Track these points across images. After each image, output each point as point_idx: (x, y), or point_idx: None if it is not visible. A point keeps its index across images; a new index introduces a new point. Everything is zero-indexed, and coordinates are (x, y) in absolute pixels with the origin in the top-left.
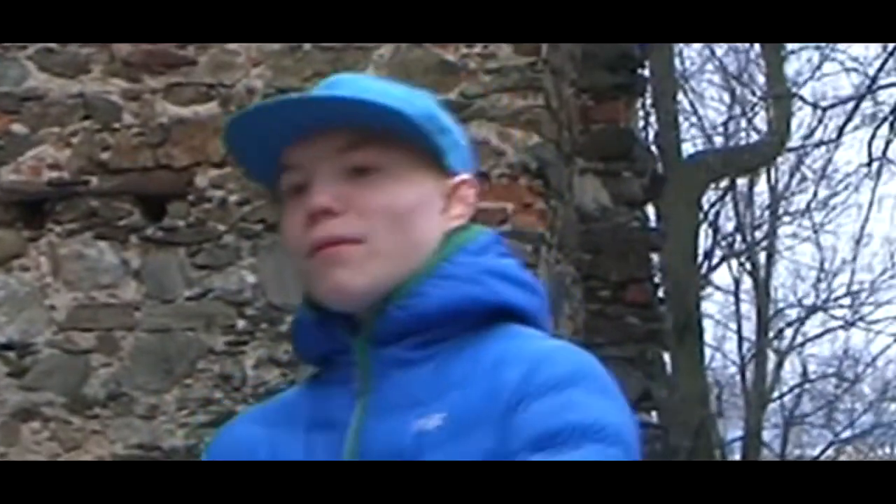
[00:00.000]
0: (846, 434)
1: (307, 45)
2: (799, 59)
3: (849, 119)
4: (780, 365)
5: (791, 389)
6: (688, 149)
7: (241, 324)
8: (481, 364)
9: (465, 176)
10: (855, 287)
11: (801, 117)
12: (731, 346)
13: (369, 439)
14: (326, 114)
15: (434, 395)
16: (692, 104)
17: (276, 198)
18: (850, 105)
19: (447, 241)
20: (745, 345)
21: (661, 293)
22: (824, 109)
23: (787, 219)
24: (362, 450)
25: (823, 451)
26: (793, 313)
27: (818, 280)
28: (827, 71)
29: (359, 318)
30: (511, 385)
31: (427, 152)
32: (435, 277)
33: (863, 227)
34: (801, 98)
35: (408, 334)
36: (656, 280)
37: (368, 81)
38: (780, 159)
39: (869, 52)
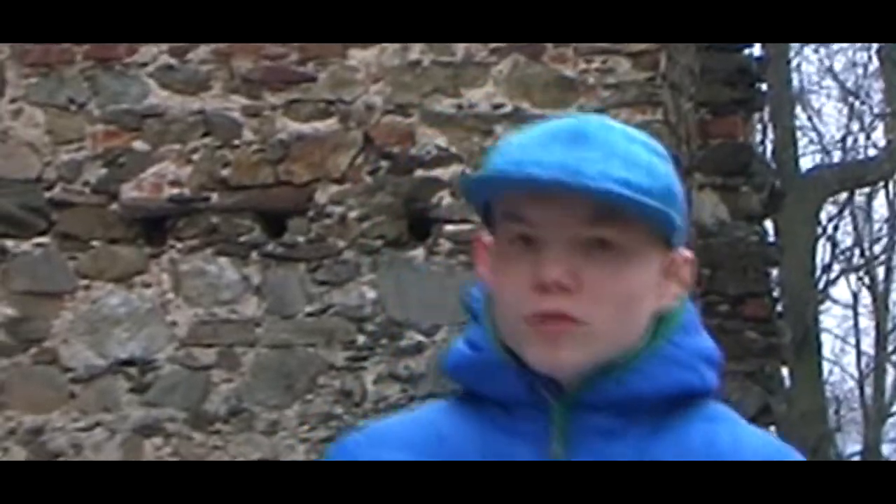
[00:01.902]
0: None
1: (426, 61)
2: None
3: None
4: None
5: None
6: (806, 164)
7: (361, 339)
8: (693, 450)
9: (687, 254)
10: None
11: None
12: (849, 360)
13: None
14: (572, 185)
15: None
16: (810, 119)
17: (482, 218)
18: None
19: (666, 321)
20: (864, 359)
21: (779, 308)
22: None
23: None
24: None
25: None
26: None
27: None
28: None
29: (561, 380)
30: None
31: (661, 231)
32: (655, 357)
33: None
34: None
35: (611, 408)
36: (775, 294)
37: (616, 140)
38: None
39: None
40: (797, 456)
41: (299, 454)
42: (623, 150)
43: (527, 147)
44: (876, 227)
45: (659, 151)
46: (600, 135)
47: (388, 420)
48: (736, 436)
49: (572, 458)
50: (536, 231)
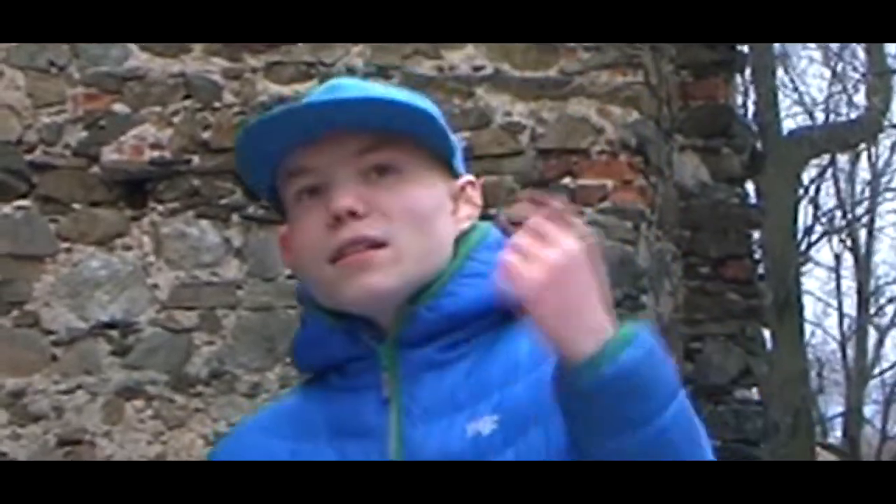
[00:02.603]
0: None
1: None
2: None
3: None
4: (881, 341)
5: (893, 366)
6: (788, 125)
7: None
8: (518, 360)
9: (470, 177)
10: None
11: None
12: (831, 322)
13: (416, 445)
14: (341, 117)
15: (476, 397)
16: (792, 80)
17: (276, 207)
18: None
19: (465, 240)
20: (846, 321)
21: (761, 269)
22: None
23: (888, 195)
24: (410, 455)
25: None
26: (894, 289)
27: None
28: None
29: (382, 322)
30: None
31: (437, 155)
32: (462, 276)
33: None
34: None
35: (435, 336)
36: (756, 256)
37: (371, 84)
38: (881, 135)
39: None
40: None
41: None
42: (378, 88)
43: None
44: (858, 189)
45: (420, 96)
46: (354, 82)
47: (251, 417)
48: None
49: (407, 397)
50: (318, 177)
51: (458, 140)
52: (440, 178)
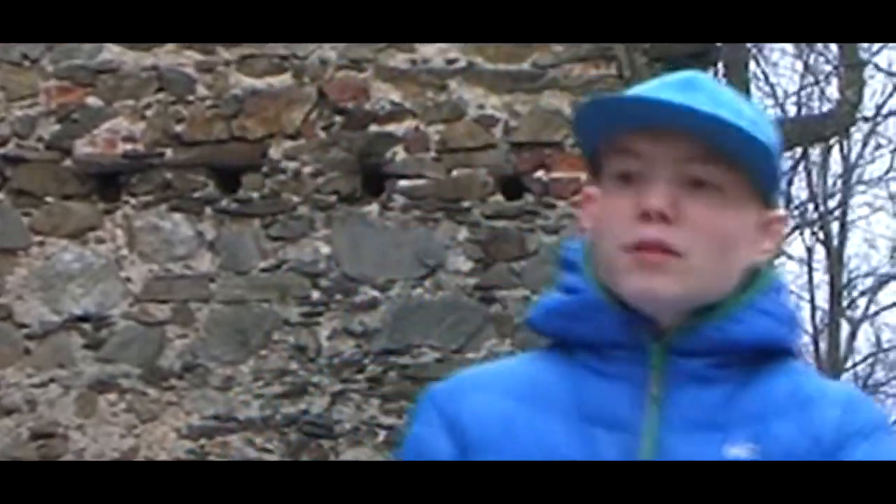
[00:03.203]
0: None
1: None
2: None
3: None
4: (853, 334)
5: (865, 359)
6: None
7: (315, 295)
8: (777, 399)
9: (782, 212)
10: None
11: (875, 86)
12: (804, 315)
13: (671, 451)
14: (688, 121)
15: (735, 422)
16: (765, 73)
17: (591, 165)
18: None
19: (760, 275)
20: (819, 314)
21: None
22: None
23: (860, 188)
24: (662, 459)
25: None
26: (866, 282)
27: (893, 249)
28: None
29: (661, 323)
30: (831, 424)
31: (761, 183)
32: (754, 309)
33: None
34: (876, 66)
35: (709, 354)
36: None
37: (724, 93)
38: (853, 128)
39: None
40: (876, 407)
41: (254, 410)
42: (730, 100)
43: (637, 92)
44: (830, 182)
45: (764, 113)
46: (709, 86)
47: (474, 369)
48: (819, 384)
49: (667, 399)
50: (643, 166)
51: (781, 173)
52: (754, 205)
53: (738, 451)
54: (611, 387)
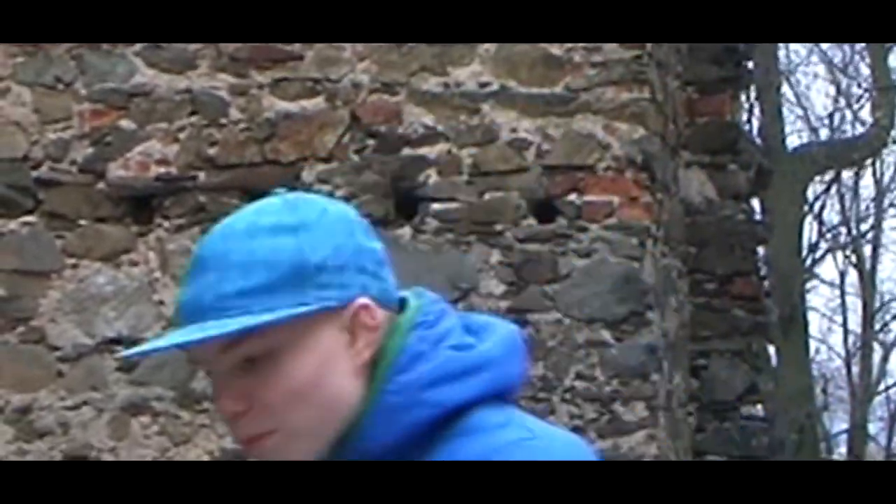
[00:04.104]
0: None
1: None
2: None
3: None
4: (885, 358)
5: None
6: (793, 141)
7: None
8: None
9: (359, 302)
10: None
11: None
12: (836, 339)
13: None
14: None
15: None
16: (797, 96)
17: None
18: None
19: (377, 366)
20: (851, 338)
21: (766, 286)
22: None
23: (892, 211)
24: None
25: None
26: None
27: None
28: None
29: None
30: None
31: (316, 305)
32: (375, 415)
33: None
34: None
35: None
36: (762, 273)
37: (230, 252)
38: (885, 151)
39: None
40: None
41: None
42: (240, 255)
43: (181, 289)
44: (863, 205)
45: (287, 225)
46: (218, 248)
47: None
48: (484, 445)
49: None
50: (207, 366)
51: (348, 246)
52: (323, 326)
53: None
54: None
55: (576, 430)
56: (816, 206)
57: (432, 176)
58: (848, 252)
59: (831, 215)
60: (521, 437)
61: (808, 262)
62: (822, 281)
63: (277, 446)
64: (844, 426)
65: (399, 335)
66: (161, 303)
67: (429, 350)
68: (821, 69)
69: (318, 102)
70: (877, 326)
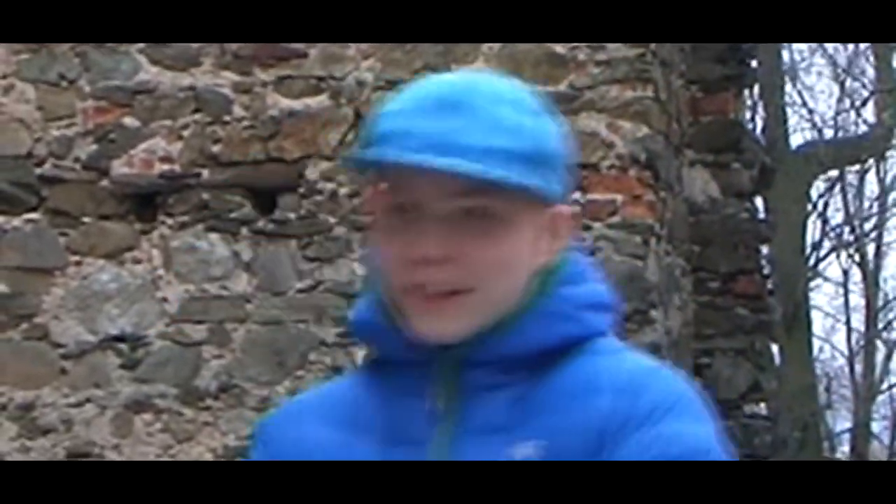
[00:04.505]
0: None
1: None
2: None
3: None
4: (889, 356)
5: None
6: (796, 140)
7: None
8: (570, 388)
9: (563, 209)
10: None
11: None
12: (839, 337)
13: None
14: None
15: (524, 422)
16: (801, 96)
17: (365, 184)
18: None
19: (545, 273)
20: (854, 336)
21: (770, 285)
22: None
23: None
24: None
25: None
26: None
27: None
28: None
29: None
30: (602, 414)
31: (538, 194)
32: (534, 314)
33: None
34: None
35: (495, 362)
36: (765, 272)
37: (480, 108)
38: (889, 151)
39: None
40: (667, 385)
41: None
42: (488, 115)
43: (398, 117)
44: (866, 204)
45: (529, 107)
46: (466, 99)
47: (305, 394)
48: (613, 363)
49: (455, 412)
50: (415, 201)
51: (564, 153)
52: (534, 213)
53: (526, 450)
54: (410, 405)
55: None
56: (820, 205)
57: None
58: (851, 251)
59: (835, 214)
60: (655, 365)
61: (812, 260)
62: (826, 280)
63: (467, 306)
64: (848, 425)
65: (567, 257)
66: (164, 300)
67: (585, 275)
68: (825, 68)
69: (322, 100)
70: (880, 325)
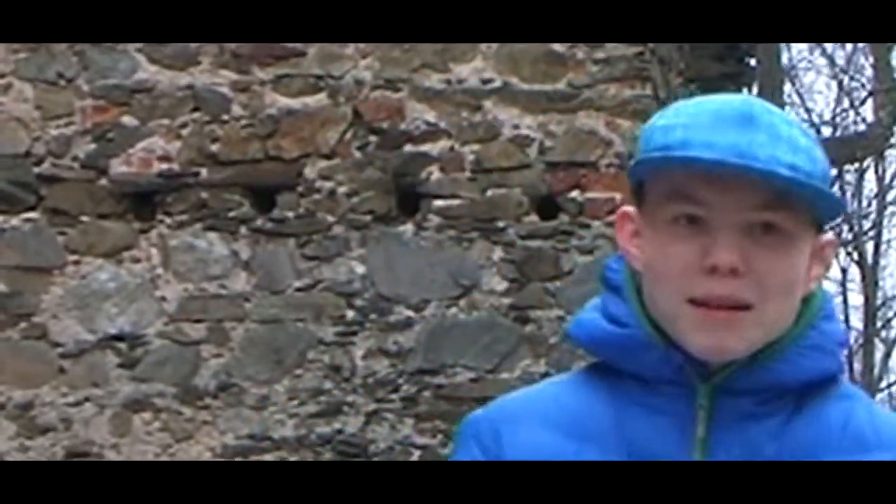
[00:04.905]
0: None
1: None
2: None
3: None
4: (888, 355)
5: None
6: None
7: (350, 314)
8: (830, 430)
9: (832, 237)
10: None
11: None
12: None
13: None
14: (753, 170)
15: (782, 456)
16: (800, 94)
17: (634, 193)
18: None
19: (808, 305)
20: (853, 335)
21: None
22: None
23: (894, 208)
24: None
25: None
26: None
27: None
28: None
29: (712, 366)
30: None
31: (820, 217)
32: (803, 346)
33: None
34: None
35: (757, 392)
36: None
37: (779, 123)
38: (887, 149)
39: None
40: None
41: (289, 429)
42: (786, 134)
43: (694, 128)
44: (865, 202)
45: (812, 136)
46: (764, 118)
47: (516, 396)
48: (871, 412)
49: (713, 440)
50: (706, 213)
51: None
52: (811, 236)
53: None
54: (658, 425)
55: None
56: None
57: (434, 172)
58: (850, 249)
59: None
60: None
61: None
62: (825, 278)
63: (742, 323)
64: None
65: (823, 294)
66: (163, 299)
67: (835, 310)
68: (824, 67)
69: (320, 99)
70: (879, 324)
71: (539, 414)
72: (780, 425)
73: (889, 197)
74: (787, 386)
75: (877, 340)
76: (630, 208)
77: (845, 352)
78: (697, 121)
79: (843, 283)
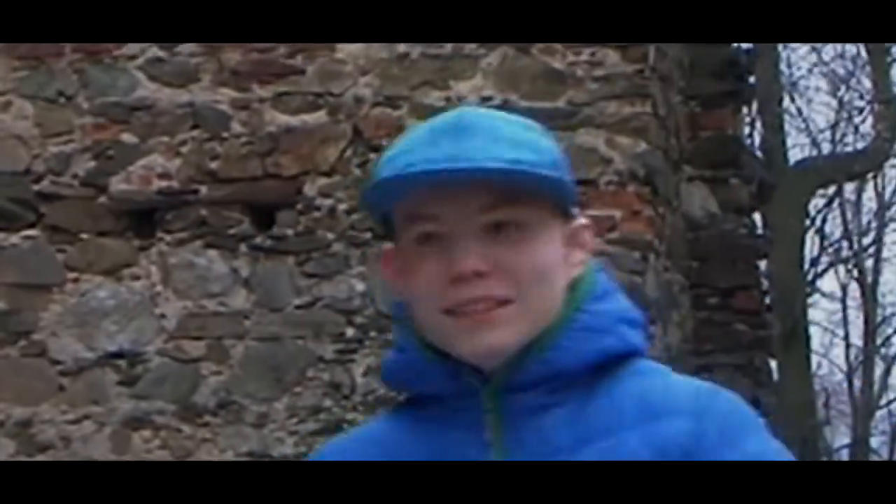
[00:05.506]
0: None
1: (414, 54)
2: None
3: None
4: (888, 372)
5: None
6: (795, 155)
7: (350, 332)
8: (624, 408)
9: (584, 221)
10: None
11: None
12: (838, 353)
13: None
14: (468, 176)
15: (579, 442)
16: (799, 110)
17: (385, 229)
18: None
19: (576, 288)
20: (853, 351)
21: (768, 300)
22: None
23: (894, 224)
24: None
25: None
26: None
27: None
28: None
29: (486, 366)
30: (680, 439)
31: (559, 204)
32: (572, 330)
33: None
34: None
35: (538, 383)
36: (763, 287)
37: (498, 125)
38: (887, 164)
39: None
40: (731, 404)
41: (288, 447)
42: (506, 132)
43: (414, 148)
44: (864, 219)
45: (539, 129)
46: (481, 122)
47: (341, 438)
48: (666, 384)
49: (506, 440)
50: (442, 226)
51: (572, 180)
52: (558, 225)
53: None
54: (454, 438)
55: None
56: (818, 220)
57: None
58: (850, 266)
59: (833, 229)
60: (712, 385)
61: (810, 276)
62: (824, 295)
63: (506, 318)
64: (846, 440)
65: (592, 271)
66: (163, 316)
67: (616, 291)
68: (823, 83)
69: (319, 116)
70: (879, 340)
71: (354, 452)
72: (573, 412)
73: (888, 213)
74: (567, 372)
75: (877, 357)
76: (388, 246)
77: (640, 328)
78: (416, 142)
79: (842, 300)
